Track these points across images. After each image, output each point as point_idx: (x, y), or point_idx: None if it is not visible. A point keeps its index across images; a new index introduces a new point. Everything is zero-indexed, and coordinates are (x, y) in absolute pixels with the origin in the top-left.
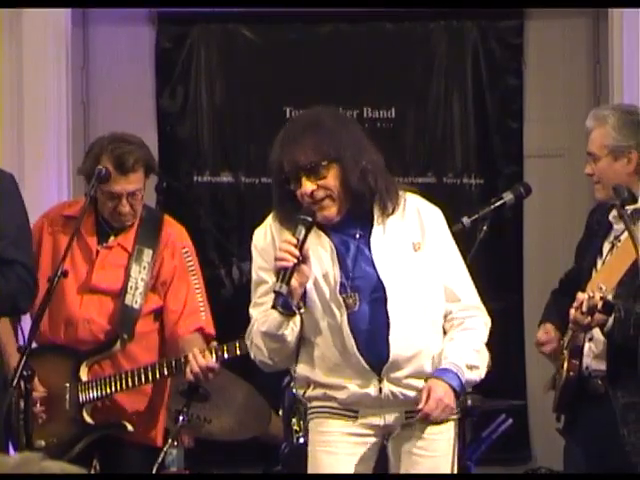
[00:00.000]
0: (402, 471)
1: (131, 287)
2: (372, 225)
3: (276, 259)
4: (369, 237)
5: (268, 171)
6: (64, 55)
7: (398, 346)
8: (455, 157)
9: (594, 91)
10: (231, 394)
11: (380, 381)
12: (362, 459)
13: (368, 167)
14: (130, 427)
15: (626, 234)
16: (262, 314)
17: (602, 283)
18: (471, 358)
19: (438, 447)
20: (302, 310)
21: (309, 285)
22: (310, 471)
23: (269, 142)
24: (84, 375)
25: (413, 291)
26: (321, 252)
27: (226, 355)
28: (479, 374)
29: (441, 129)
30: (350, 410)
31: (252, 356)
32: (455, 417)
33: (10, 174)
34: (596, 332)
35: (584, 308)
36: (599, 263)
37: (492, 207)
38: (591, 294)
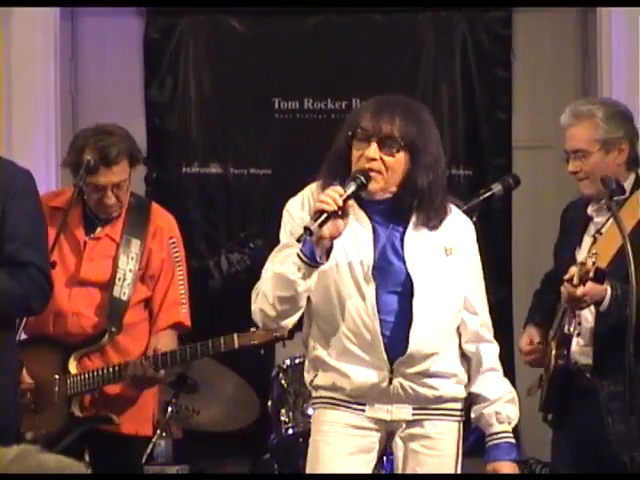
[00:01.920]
0: (408, 469)
1: (119, 279)
2: (408, 222)
3: (318, 200)
4: (404, 232)
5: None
6: (52, 47)
7: (417, 342)
8: (444, 148)
9: (582, 83)
10: (220, 386)
11: (391, 372)
12: (364, 453)
13: (437, 182)
14: (117, 419)
15: (607, 226)
16: (282, 257)
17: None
18: (510, 411)
19: (444, 447)
20: (322, 265)
21: (343, 259)
22: (309, 462)
23: (258, 133)
24: (73, 368)
25: (439, 292)
26: (359, 229)
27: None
28: (516, 417)
29: None
30: (358, 403)
31: (253, 311)
32: (460, 419)
33: (27, 170)
34: (584, 328)
35: (575, 279)
36: (580, 257)
37: (481, 198)
38: (583, 261)
